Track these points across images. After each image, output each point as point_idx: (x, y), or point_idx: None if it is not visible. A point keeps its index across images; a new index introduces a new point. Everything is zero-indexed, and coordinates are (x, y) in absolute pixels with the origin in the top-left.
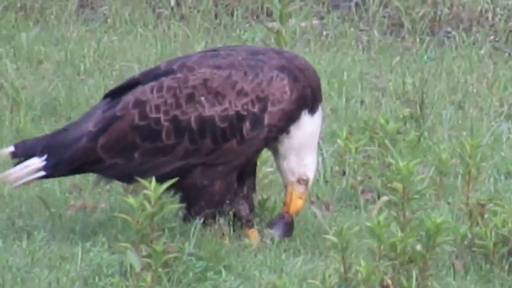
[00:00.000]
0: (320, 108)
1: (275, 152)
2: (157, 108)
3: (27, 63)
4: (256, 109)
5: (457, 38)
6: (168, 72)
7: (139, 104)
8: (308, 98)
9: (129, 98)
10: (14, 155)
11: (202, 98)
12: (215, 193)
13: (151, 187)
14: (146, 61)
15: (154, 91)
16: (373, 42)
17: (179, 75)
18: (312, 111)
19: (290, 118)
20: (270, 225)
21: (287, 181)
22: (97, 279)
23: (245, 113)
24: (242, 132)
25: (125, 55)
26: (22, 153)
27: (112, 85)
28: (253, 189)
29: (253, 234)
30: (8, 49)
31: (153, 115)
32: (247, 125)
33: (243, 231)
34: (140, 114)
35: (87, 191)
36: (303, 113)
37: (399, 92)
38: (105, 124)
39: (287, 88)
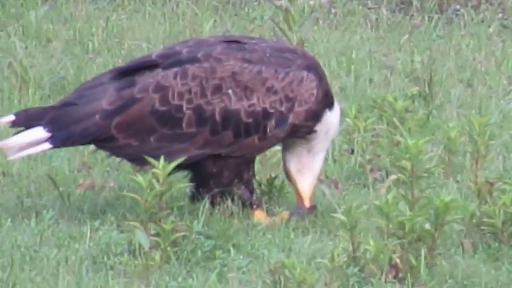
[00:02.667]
0: (336, 104)
1: (287, 147)
2: (180, 95)
3: (36, 42)
4: (283, 108)
5: (465, 16)
6: (192, 59)
7: (161, 88)
8: (329, 96)
9: (148, 81)
10: (14, 124)
11: (230, 91)
12: (223, 179)
13: (160, 166)
14: (155, 40)
15: (178, 78)
16: (381, 20)
17: (205, 64)
18: (331, 105)
19: (314, 117)
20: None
21: (295, 176)
22: (105, 258)
23: (272, 110)
24: (266, 128)
25: (133, 34)
26: (23, 123)
27: (120, 63)
28: (252, 173)
29: (258, 213)
30: (17, 28)
31: (175, 101)
32: (272, 122)
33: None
34: (161, 99)
35: (96, 170)
36: (326, 111)
37: (408, 70)
38: (122, 104)
39: (315, 91)
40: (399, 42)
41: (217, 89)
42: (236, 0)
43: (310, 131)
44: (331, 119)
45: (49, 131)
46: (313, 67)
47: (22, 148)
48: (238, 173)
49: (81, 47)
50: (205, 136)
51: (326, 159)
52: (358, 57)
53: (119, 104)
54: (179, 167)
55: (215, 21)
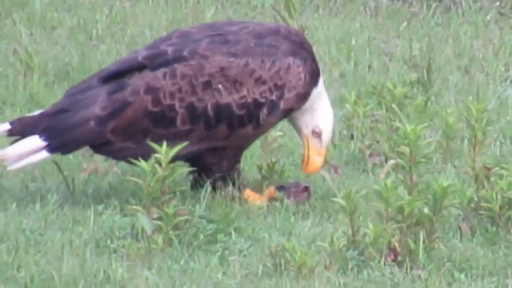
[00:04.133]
0: (320, 77)
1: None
2: (172, 95)
3: (41, 29)
4: (274, 97)
5: (463, 4)
6: (178, 58)
7: (152, 90)
8: (315, 73)
9: (138, 83)
10: (10, 132)
11: (220, 86)
12: (223, 168)
13: (162, 151)
14: (158, 26)
15: (167, 78)
16: (380, 7)
17: (192, 62)
18: (317, 81)
19: (303, 98)
20: (284, 191)
21: (302, 136)
22: (109, 241)
23: (263, 100)
24: (259, 118)
25: (136, 21)
26: (19, 131)
27: (123, 50)
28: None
29: (249, 194)
30: (22, 15)
31: (167, 101)
32: (264, 112)
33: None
34: (153, 100)
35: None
36: (313, 89)
37: (407, 57)
38: (115, 109)
39: (302, 75)
40: (398, 30)
41: (207, 85)
42: None
43: (298, 108)
44: (317, 91)
45: (45, 139)
46: (297, 50)
47: (20, 157)
48: (236, 161)
49: (85, 34)
50: (200, 132)
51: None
52: (357, 44)
53: (112, 108)
54: (179, 159)
55: (216, 8)
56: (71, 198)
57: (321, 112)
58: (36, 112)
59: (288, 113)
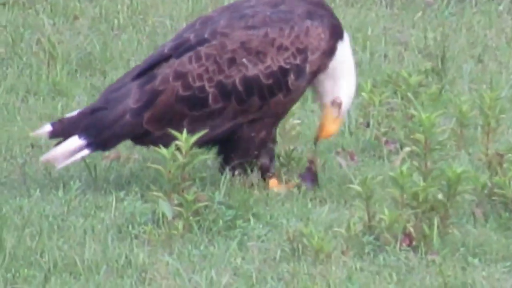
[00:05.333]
0: (343, 31)
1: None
2: (200, 76)
3: (63, 19)
4: (298, 61)
5: None
6: (201, 42)
7: (180, 76)
8: (337, 27)
9: (166, 71)
10: (52, 134)
11: (244, 60)
12: (259, 141)
13: (183, 138)
14: (178, 17)
15: (193, 61)
16: None
17: (214, 42)
18: (341, 37)
19: (330, 55)
20: (301, 178)
21: (322, 103)
22: (130, 227)
23: (288, 66)
24: (288, 84)
25: (157, 11)
26: (60, 132)
27: (144, 40)
28: (274, 141)
29: (273, 183)
30: (45, 5)
31: (197, 84)
32: (291, 77)
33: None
34: (183, 85)
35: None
36: (338, 44)
37: (421, 47)
38: (147, 99)
39: (322, 35)
40: (413, 19)
41: (232, 61)
42: None
43: (325, 68)
44: (343, 49)
45: (84, 138)
46: (313, 10)
47: (64, 157)
48: (271, 133)
49: (106, 24)
50: (234, 107)
51: (342, 132)
52: (373, 34)
53: (145, 99)
54: (206, 141)
55: None
56: (93, 184)
57: (344, 82)
58: (75, 112)
59: (315, 75)
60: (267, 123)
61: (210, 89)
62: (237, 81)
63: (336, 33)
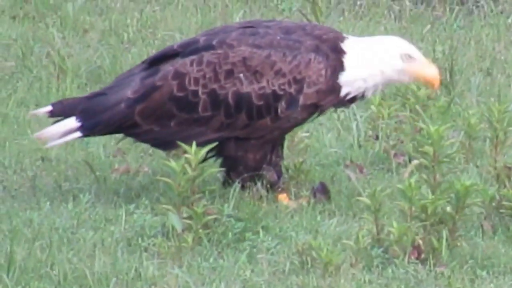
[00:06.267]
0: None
1: None
2: (196, 81)
3: (73, 32)
4: (292, 90)
5: (485, 7)
6: (207, 47)
7: (179, 75)
8: (338, 66)
9: (168, 69)
10: (51, 114)
11: (241, 75)
12: (250, 161)
13: (192, 151)
14: (187, 30)
15: (194, 65)
16: (404, 11)
17: (219, 51)
18: (342, 69)
19: (330, 94)
20: (314, 192)
21: (403, 75)
22: (140, 240)
23: (281, 92)
24: (277, 110)
25: (166, 25)
26: (59, 113)
27: (154, 53)
28: (280, 156)
29: (282, 197)
30: (55, 19)
31: (192, 87)
32: (282, 104)
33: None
34: (179, 85)
35: (131, 155)
36: (338, 80)
37: (430, 60)
38: (144, 92)
39: (323, 71)
40: (422, 33)
41: (229, 73)
42: None
43: (353, 100)
44: (354, 72)
45: (80, 120)
46: (321, 48)
47: (57, 137)
48: (264, 156)
49: (116, 38)
50: (221, 119)
51: (351, 145)
52: None
53: (142, 92)
54: (210, 153)
55: (244, 12)
56: (103, 197)
57: (383, 47)
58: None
59: (315, 109)
60: (254, 145)
61: (202, 96)
62: (229, 94)
63: (336, 73)
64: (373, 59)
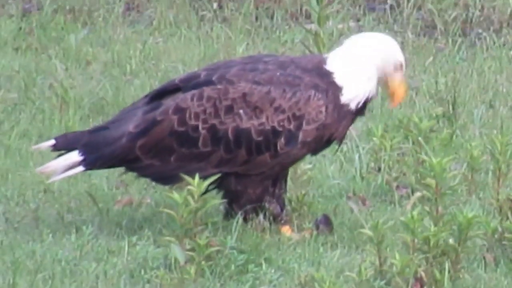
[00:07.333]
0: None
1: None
2: (196, 116)
3: (76, 64)
4: (291, 126)
5: (487, 40)
6: (208, 82)
7: (179, 110)
8: (334, 91)
9: (169, 103)
10: (54, 147)
11: (241, 111)
12: (250, 196)
13: (195, 183)
14: (190, 62)
15: (195, 99)
16: (407, 43)
17: (219, 86)
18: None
19: (335, 123)
20: (317, 224)
21: (384, 80)
22: (142, 271)
23: (280, 129)
24: (276, 146)
25: (169, 56)
26: (62, 146)
27: (157, 85)
28: (283, 189)
29: (285, 229)
30: (58, 50)
31: (192, 122)
32: (281, 140)
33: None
34: (179, 120)
35: (134, 187)
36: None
37: (432, 92)
38: (145, 127)
39: (323, 108)
40: (424, 64)
41: (229, 109)
42: (267, 24)
43: (365, 105)
44: (352, 85)
45: (82, 154)
46: (321, 86)
47: (61, 171)
48: (265, 190)
49: (119, 69)
50: (220, 154)
51: (353, 177)
52: None
53: (143, 126)
54: (212, 186)
55: (247, 44)
56: (106, 229)
57: (382, 53)
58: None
59: (316, 145)
60: (253, 180)
61: (203, 131)
62: (229, 129)
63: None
64: (364, 59)
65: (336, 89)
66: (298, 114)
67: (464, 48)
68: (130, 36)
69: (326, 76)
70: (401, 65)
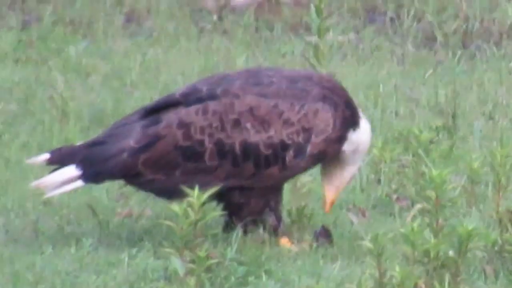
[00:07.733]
0: (362, 118)
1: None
2: (202, 130)
3: (76, 76)
4: (300, 139)
5: (487, 52)
6: (211, 96)
7: (184, 125)
8: (348, 118)
9: (172, 118)
10: (49, 162)
11: (248, 125)
12: (252, 208)
13: (195, 195)
14: (190, 74)
15: (200, 114)
16: (407, 55)
17: (224, 100)
18: (355, 125)
19: (336, 142)
20: (317, 236)
21: (325, 183)
22: (142, 283)
23: (289, 142)
24: (285, 159)
25: (169, 68)
26: (58, 161)
27: (157, 97)
28: (279, 201)
29: (284, 241)
30: (58, 62)
31: (198, 136)
32: (290, 153)
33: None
34: (184, 134)
35: (134, 199)
36: (348, 133)
37: (432, 104)
38: (148, 142)
39: (331, 120)
40: (424, 77)
41: (236, 123)
42: (267, 36)
43: (337, 153)
44: (358, 137)
45: (80, 169)
46: (328, 96)
47: (57, 186)
48: (266, 202)
49: (119, 81)
50: (227, 168)
51: (354, 188)
52: (384, 91)
53: (146, 141)
54: (212, 198)
55: (247, 56)
56: (106, 241)
57: (353, 168)
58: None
59: (320, 158)
60: (257, 192)
61: (209, 145)
62: (236, 143)
63: (347, 123)
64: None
65: (352, 120)
66: (307, 127)
67: (464, 60)
68: (130, 48)
69: (355, 109)
70: (339, 188)
